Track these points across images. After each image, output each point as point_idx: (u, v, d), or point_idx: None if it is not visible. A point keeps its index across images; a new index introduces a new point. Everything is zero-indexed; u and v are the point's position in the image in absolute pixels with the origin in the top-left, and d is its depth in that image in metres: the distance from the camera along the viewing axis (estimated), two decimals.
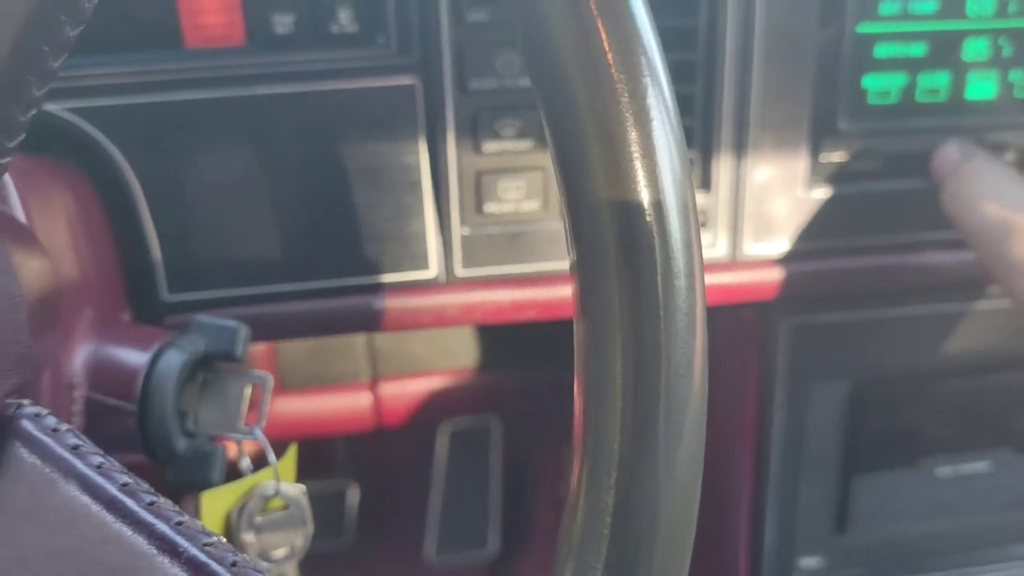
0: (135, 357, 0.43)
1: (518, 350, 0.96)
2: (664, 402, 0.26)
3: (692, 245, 0.26)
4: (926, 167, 0.56)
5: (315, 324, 0.54)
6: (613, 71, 0.25)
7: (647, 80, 0.25)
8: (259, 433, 0.44)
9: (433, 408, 0.94)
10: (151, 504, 0.28)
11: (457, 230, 0.54)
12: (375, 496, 1.04)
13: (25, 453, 0.28)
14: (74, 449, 0.28)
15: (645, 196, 0.25)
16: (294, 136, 0.51)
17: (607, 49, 0.25)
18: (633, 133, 0.25)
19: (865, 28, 0.54)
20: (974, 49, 0.55)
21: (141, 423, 0.42)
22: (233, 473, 0.45)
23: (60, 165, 0.49)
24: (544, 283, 0.55)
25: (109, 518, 0.26)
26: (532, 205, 0.54)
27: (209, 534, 0.27)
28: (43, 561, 0.26)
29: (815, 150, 0.56)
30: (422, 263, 0.54)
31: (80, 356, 0.43)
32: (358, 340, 0.81)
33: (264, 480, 0.45)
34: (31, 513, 0.27)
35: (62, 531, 0.27)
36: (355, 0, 0.50)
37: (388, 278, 0.54)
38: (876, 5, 0.54)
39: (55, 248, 0.42)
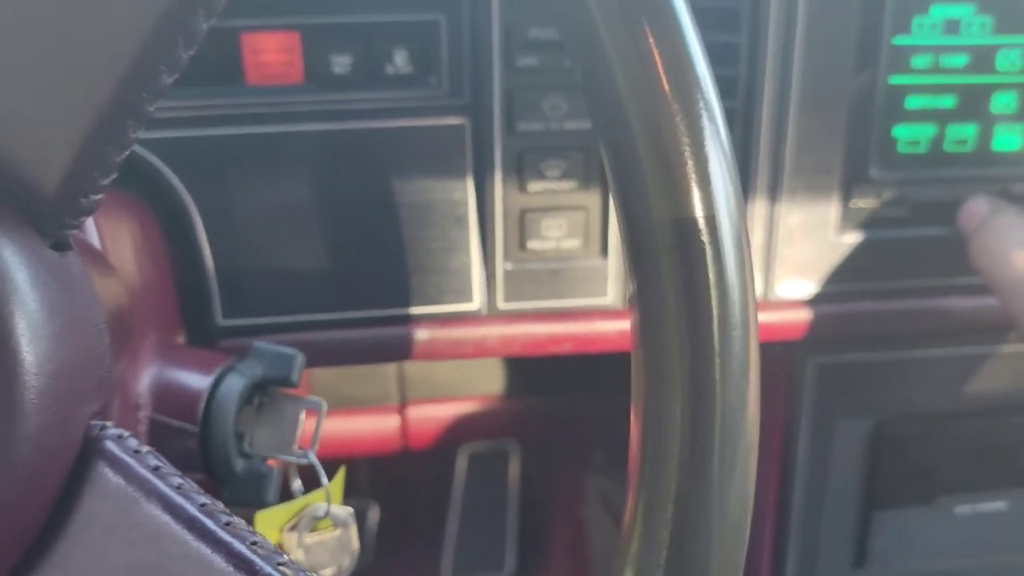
0: (198, 380, 0.45)
1: (537, 379, 0.98)
2: (719, 440, 0.27)
3: (747, 290, 0.27)
4: (953, 215, 0.58)
5: (361, 352, 0.56)
6: (678, 123, 0.26)
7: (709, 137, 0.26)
8: (312, 456, 0.46)
9: (455, 432, 0.96)
10: (228, 524, 0.29)
11: (500, 265, 0.56)
12: (395, 516, 1.06)
13: (110, 473, 0.29)
14: (155, 470, 0.29)
15: (704, 237, 0.26)
16: (347, 171, 0.54)
17: (668, 93, 0.26)
18: (693, 177, 0.26)
19: (897, 80, 0.56)
20: (1002, 102, 0.57)
21: (202, 444, 0.44)
22: (285, 494, 0.47)
23: (124, 192, 0.51)
24: (582, 318, 0.57)
25: (189, 536, 0.28)
26: (573, 243, 0.56)
27: (281, 554, 0.29)
28: (127, 575, 0.27)
29: (846, 196, 0.58)
30: (466, 296, 0.56)
31: (146, 378, 0.44)
32: (389, 365, 0.84)
33: (315, 501, 0.47)
34: (115, 530, 0.28)
35: (144, 548, 0.28)
36: (410, 43, 0.52)
37: (433, 309, 0.56)
38: (909, 58, 0.56)
39: (124, 273, 0.45)
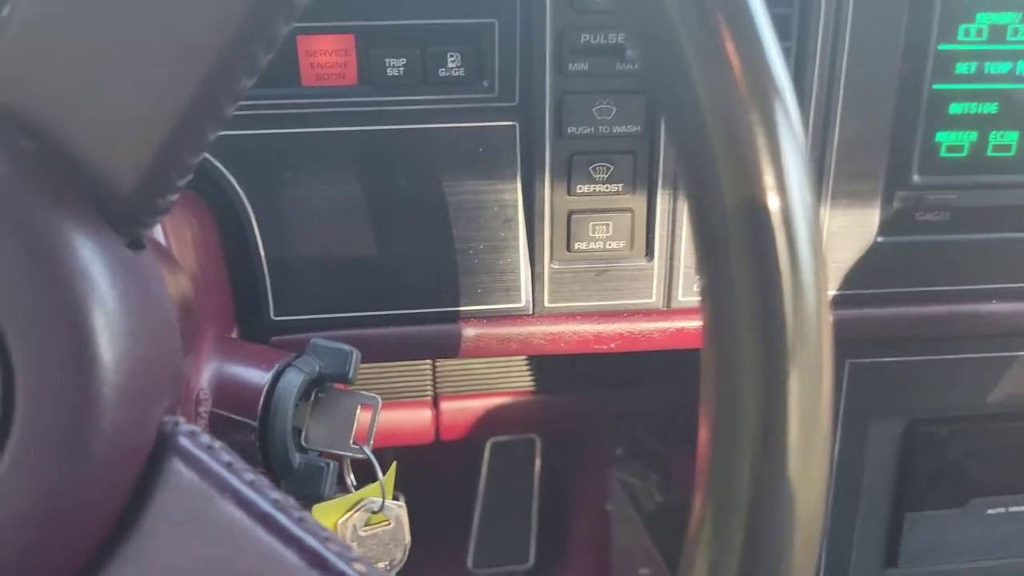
0: (257, 376, 0.46)
1: (563, 374, 0.99)
2: (795, 443, 0.27)
3: (821, 286, 0.26)
4: (994, 221, 0.59)
5: (409, 348, 0.57)
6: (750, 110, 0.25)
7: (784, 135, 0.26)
8: (368, 451, 0.47)
9: (483, 426, 0.97)
10: (300, 520, 0.29)
11: (547, 265, 0.57)
12: (422, 508, 1.07)
13: (183, 469, 0.29)
14: (228, 466, 0.29)
15: (778, 235, 0.26)
16: (398, 171, 0.55)
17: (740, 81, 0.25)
18: (768, 169, 0.25)
19: (941, 86, 0.57)
20: None
21: (261, 439, 0.45)
22: (341, 488, 0.48)
23: (184, 190, 0.52)
24: (626, 318, 0.58)
25: (262, 532, 0.28)
26: (618, 244, 0.57)
27: (352, 551, 0.29)
28: (200, 570, 0.28)
29: (888, 201, 0.58)
30: (513, 295, 0.57)
31: (206, 373, 0.46)
32: (424, 360, 0.85)
33: (369, 495, 0.48)
34: (188, 526, 0.28)
35: (218, 544, 0.28)
36: (463, 47, 0.53)
37: (480, 307, 0.57)
38: (953, 65, 0.56)
39: (187, 270, 0.46)
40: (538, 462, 1.09)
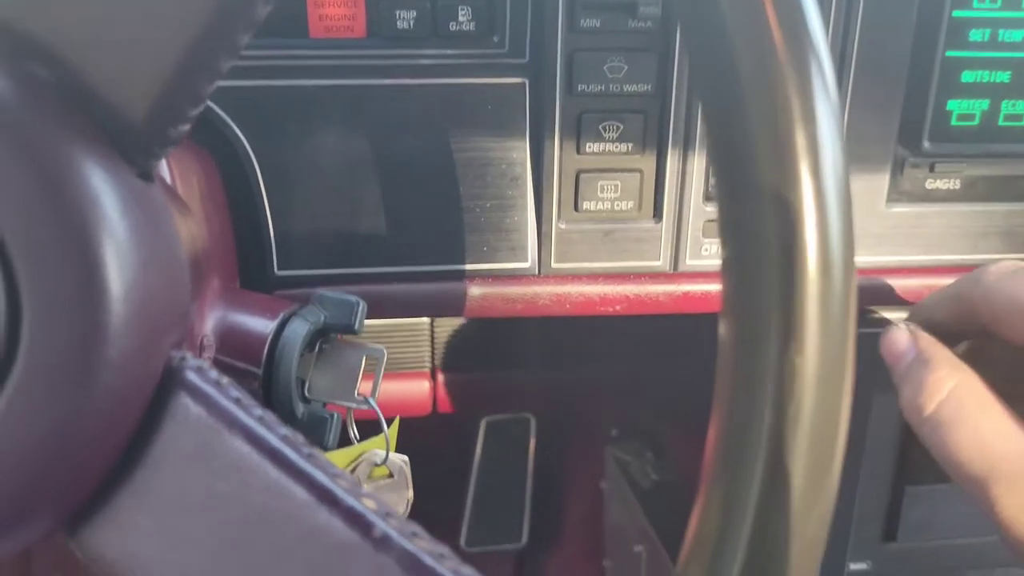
0: (262, 324, 0.45)
1: (559, 350, 0.99)
2: (808, 451, 0.27)
3: (850, 269, 0.27)
4: (1004, 191, 0.59)
5: (413, 306, 0.56)
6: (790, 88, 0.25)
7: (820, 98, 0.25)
8: (373, 403, 0.46)
9: (479, 401, 0.96)
10: (310, 456, 0.29)
11: (554, 225, 0.56)
12: (414, 486, 1.06)
13: (191, 403, 0.28)
14: (236, 401, 0.29)
15: (808, 213, 0.25)
16: (405, 126, 0.54)
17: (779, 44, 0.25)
18: (801, 138, 0.25)
19: (954, 53, 0.56)
20: None
21: (265, 387, 0.45)
22: (341, 440, 0.48)
23: (190, 141, 0.52)
24: (633, 280, 0.58)
25: (271, 467, 0.28)
26: (627, 205, 0.56)
27: (362, 487, 0.29)
28: (206, 505, 0.28)
29: (898, 168, 0.58)
30: (520, 254, 0.57)
31: (211, 320, 0.45)
32: (423, 331, 0.84)
33: (372, 447, 0.48)
34: (196, 460, 0.28)
35: (225, 478, 0.28)
36: (474, 1, 0.52)
37: (486, 266, 0.57)
38: (967, 31, 0.56)
39: (194, 217, 0.45)
40: (532, 441, 1.09)
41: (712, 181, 0.56)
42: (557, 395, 1.04)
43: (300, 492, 0.27)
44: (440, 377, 0.91)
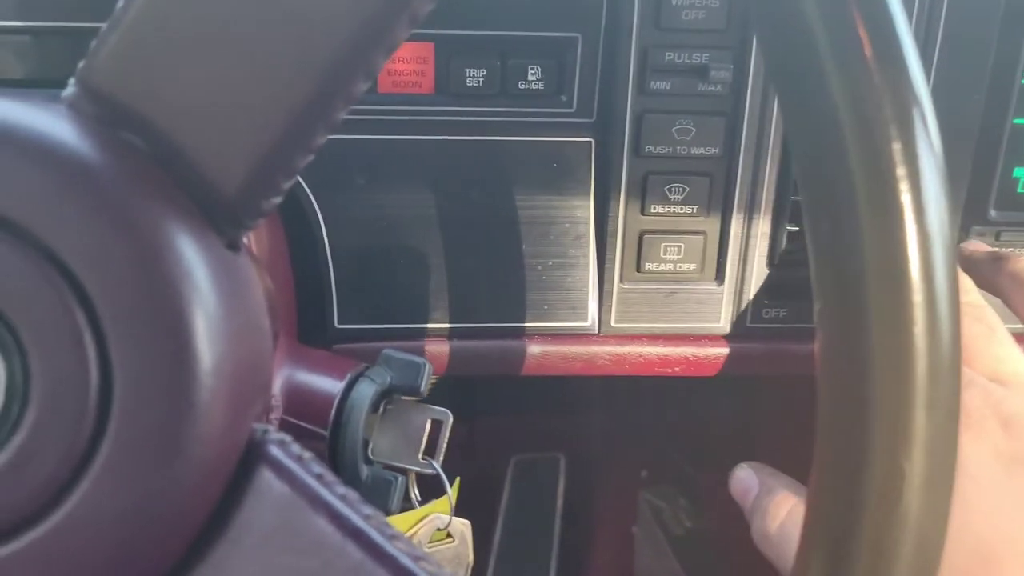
0: (330, 385, 0.45)
1: (591, 397, 0.99)
2: (914, 550, 0.26)
3: (956, 334, 0.25)
4: None
5: (473, 362, 0.56)
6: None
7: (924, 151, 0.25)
8: (437, 466, 0.46)
9: (512, 442, 0.96)
10: (392, 537, 0.28)
11: (616, 284, 0.56)
12: None
13: (273, 479, 0.28)
14: (319, 478, 0.29)
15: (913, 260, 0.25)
16: (471, 182, 0.54)
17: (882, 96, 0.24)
18: (907, 196, 0.24)
19: (1022, 121, 0.56)
20: None
21: (331, 449, 0.44)
22: (404, 502, 0.47)
23: None
24: (693, 342, 0.57)
25: (354, 548, 0.27)
26: (689, 267, 0.56)
27: (445, 571, 0.28)
28: None
29: (964, 235, 0.57)
30: (580, 313, 0.56)
31: (278, 379, 0.45)
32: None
33: (435, 511, 0.47)
34: (277, 537, 0.28)
35: (308, 557, 0.27)
36: (544, 60, 0.52)
37: (546, 325, 0.56)
38: None
39: (266, 276, 0.45)
40: (562, 481, 1.09)
41: (790, 248, 0.55)
42: (588, 436, 1.03)
43: (384, 575, 0.27)
44: (476, 420, 0.91)
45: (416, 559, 0.28)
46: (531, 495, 1.07)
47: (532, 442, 1.04)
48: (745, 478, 0.48)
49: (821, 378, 0.27)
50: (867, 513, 0.26)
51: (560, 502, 1.08)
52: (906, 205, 0.25)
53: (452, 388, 0.86)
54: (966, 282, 0.49)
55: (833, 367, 0.27)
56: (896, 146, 0.25)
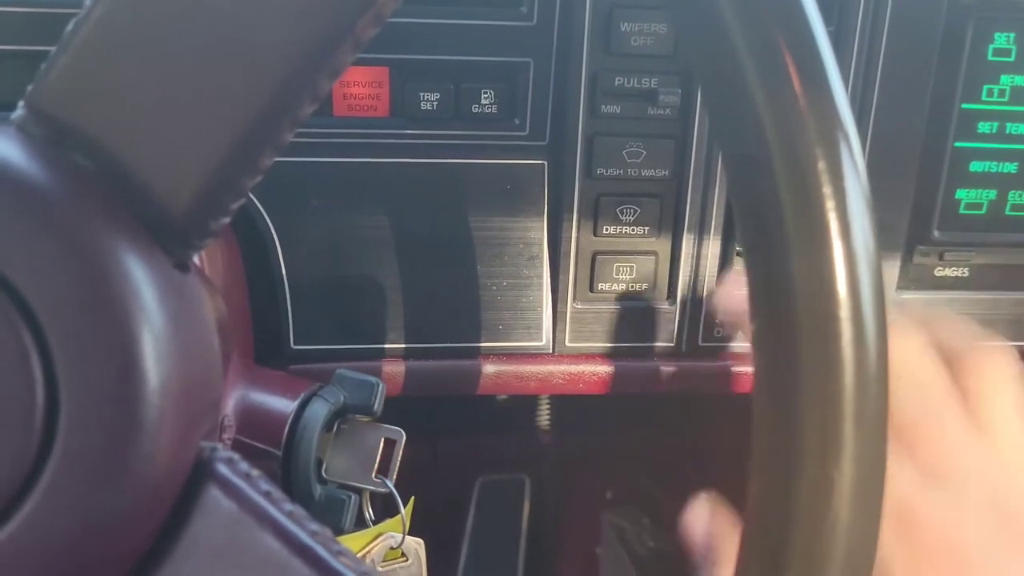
0: (282, 405, 0.45)
1: (557, 415, 0.99)
2: (845, 555, 0.26)
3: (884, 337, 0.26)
4: (1011, 279, 0.60)
5: (429, 383, 0.56)
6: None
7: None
8: (390, 485, 0.46)
9: (476, 464, 0.96)
10: (339, 553, 0.29)
11: (569, 304, 0.57)
12: None
13: (221, 496, 0.28)
14: (267, 495, 0.28)
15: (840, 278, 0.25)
16: (425, 205, 0.55)
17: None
18: (834, 224, 0.25)
19: (963, 144, 0.58)
20: None
21: (284, 468, 0.44)
22: (357, 521, 0.48)
23: None
24: (647, 359, 0.58)
25: (301, 564, 0.27)
26: (641, 286, 0.57)
27: None
28: None
29: (908, 256, 0.59)
30: (535, 333, 0.57)
31: (232, 399, 0.45)
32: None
33: (388, 530, 0.47)
34: (226, 554, 0.28)
35: (255, 573, 0.27)
36: (497, 84, 0.53)
37: (501, 344, 0.57)
38: (975, 124, 0.57)
39: (219, 296, 0.45)
40: (527, 503, 1.09)
41: (741, 268, 0.56)
42: (553, 458, 1.03)
43: None
44: (439, 442, 0.91)
45: (362, 574, 0.28)
46: (496, 517, 1.07)
47: (496, 464, 1.04)
48: (698, 528, 0.44)
49: (756, 393, 0.28)
50: (799, 521, 0.27)
51: (525, 524, 1.08)
52: (831, 226, 0.25)
53: (416, 411, 0.86)
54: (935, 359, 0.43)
55: (766, 383, 0.28)
56: (821, 166, 0.26)
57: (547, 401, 0.98)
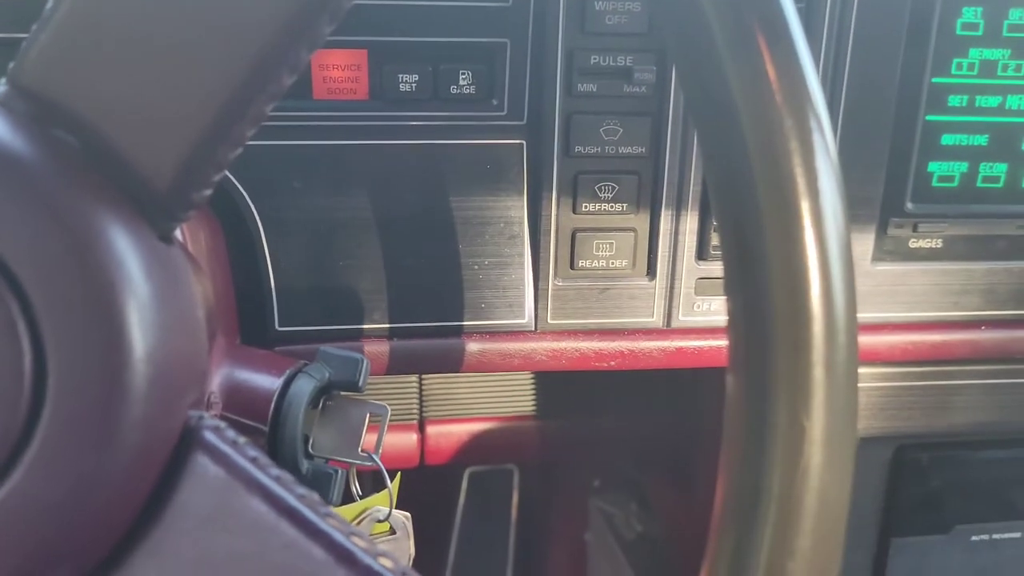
0: (268, 381, 0.46)
1: (544, 402, 1.00)
2: (817, 502, 0.28)
3: (854, 323, 0.28)
4: (984, 250, 0.61)
5: (412, 361, 0.57)
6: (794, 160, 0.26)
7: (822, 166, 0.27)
8: (377, 459, 0.47)
9: (465, 452, 0.97)
10: (326, 515, 0.29)
11: (551, 282, 0.58)
12: None
13: (209, 463, 0.29)
14: (253, 461, 0.29)
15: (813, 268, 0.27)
16: (406, 186, 0.55)
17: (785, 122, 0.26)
18: (806, 206, 0.26)
19: (934, 117, 0.59)
20: None
21: (270, 444, 0.45)
22: (345, 496, 0.48)
23: None
24: (628, 336, 0.59)
25: (288, 526, 0.28)
26: (621, 263, 0.58)
27: (378, 546, 0.29)
28: (225, 564, 0.28)
29: (883, 228, 0.60)
30: (517, 311, 0.58)
31: (217, 378, 0.46)
32: (411, 384, 0.85)
33: (375, 504, 0.48)
34: (215, 519, 0.28)
35: (244, 537, 0.28)
36: (474, 65, 0.54)
37: (484, 323, 0.58)
38: (946, 97, 0.58)
39: (204, 275, 0.46)
40: (516, 493, 1.09)
41: (718, 243, 0.57)
42: (543, 445, 1.04)
43: (318, 551, 0.28)
44: (428, 429, 0.91)
45: (349, 534, 0.29)
46: (486, 507, 1.08)
47: (485, 454, 1.05)
48: None
49: (731, 360, 0.29)
50: (773, 471, 0.28)
51: (514, 512, 1.08)
52: (800, 189, 0.27)
53: (409, 395, 0.87)
54: None
55: (741, 348, 0.29)
56: (790, 134, 0.26)
57: (533, 385, 0.98)
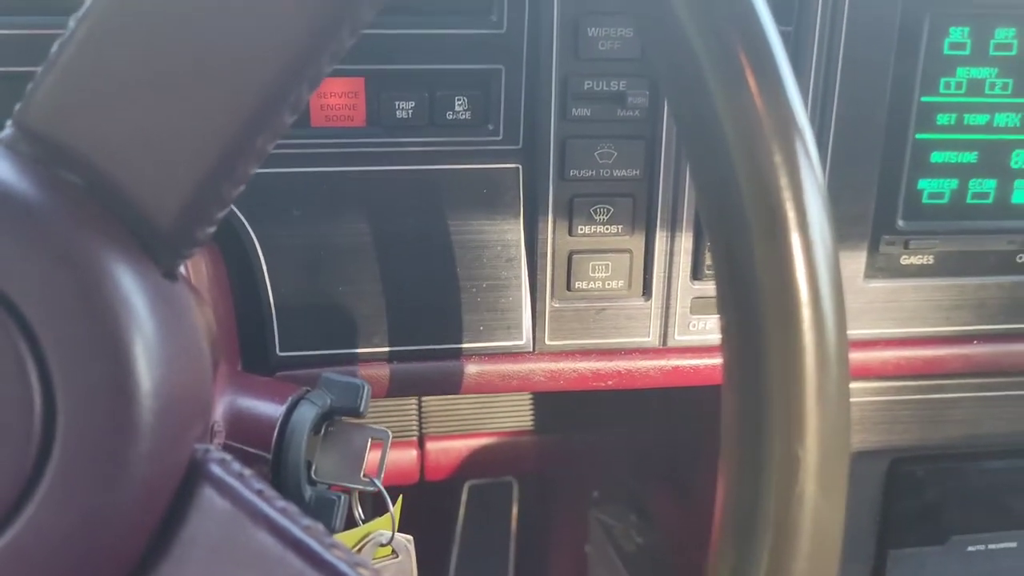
0: (271, 409, 0.46)
1: (543, 415, 1.00)
2: (812, 526, 0.28)
3: (843, 332, 0.28)
4: (975, 265, 0.61)
5: (412, 384, 0.58)
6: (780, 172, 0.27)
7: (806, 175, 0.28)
8: (379, 484, 0.47)
9: (465, 467, 0.97)
10: (331, 546, 0.30)
11: (548, 303, 0.58)
12: None
13: (215, 496, 0.29)
14: (259, 493, 0.30)
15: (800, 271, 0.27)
16: (404, 211, 0.56)
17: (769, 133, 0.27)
18: (797, 242, 0.27)
19: (924, 135, 0.59)
20: (1021, 158, 0.61)
21: (274, 471, 0.46)
22: (348, 520, 0.49)
23: None
24: (625, 356, 0.60)
25: (294, 558, 0.28)
26: (617, 284, 0.58)
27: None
28: None
29: (875, 245, 0.60)
30: (515, 332, 0.58)
31: (220, 406, 0.46)
32: (410, 401, 0.86)
33: (378, 528, 0.49)
34: (220, 552, 0.29)
35: (251, 568, 0.28)
36: (470, 91, 0.55)
37: (482, 345, 0.58)
38: (934, 116, 0.59)
39: (206, 305, 0.46)
40: (515, 506, 1.10)
41: (713, 273, 0.58)
42: (541, 458, 1.04)
43: None
44: (428, 445, 0.92)
45: (354, 565, 0.29)
46: (485, 519, 1.08)
47: (485, 469, 1.05)
48: None
49: (725, 379, 0.30)
50: (769, 499, 0.29)
51: (514, 525, 1.08)
52: (791, 223, 0.27)
53: (408, 412, 0.87)
54: None
55: (734, 368, 0.30)
56: (778, 161, 0.27)
57: (531, 400, 0.99)
